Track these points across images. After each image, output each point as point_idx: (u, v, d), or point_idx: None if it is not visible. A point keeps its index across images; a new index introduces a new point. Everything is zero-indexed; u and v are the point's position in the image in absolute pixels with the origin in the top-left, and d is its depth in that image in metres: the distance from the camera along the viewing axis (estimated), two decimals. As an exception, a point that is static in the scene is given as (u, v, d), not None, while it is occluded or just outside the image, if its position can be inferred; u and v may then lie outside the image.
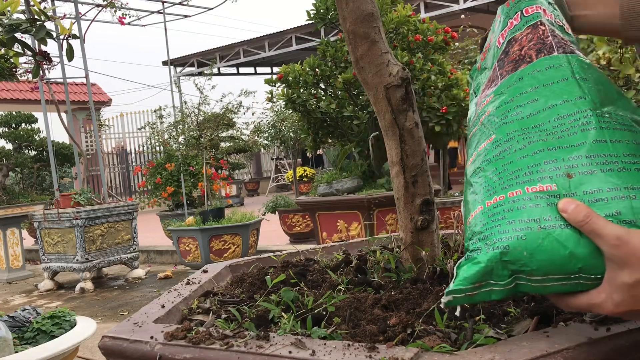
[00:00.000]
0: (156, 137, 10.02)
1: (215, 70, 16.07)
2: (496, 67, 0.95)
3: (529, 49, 0.90)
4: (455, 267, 0.79)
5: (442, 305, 0.78)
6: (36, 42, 2.32)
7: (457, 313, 0.84)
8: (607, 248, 0.70)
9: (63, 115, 6.61)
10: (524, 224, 0.75)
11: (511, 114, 0.85)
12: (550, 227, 0.73)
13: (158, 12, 10.04)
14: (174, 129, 8.76)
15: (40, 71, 2.88)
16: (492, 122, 0.88)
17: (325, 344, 0.85)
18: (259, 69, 19.61)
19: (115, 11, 8.99)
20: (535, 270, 0.73)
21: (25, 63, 9.69)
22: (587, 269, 0.72)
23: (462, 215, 0.89)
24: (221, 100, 8.07)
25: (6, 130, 9.64)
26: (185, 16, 10.81)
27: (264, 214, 7.42)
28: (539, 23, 0.91)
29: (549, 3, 0.94)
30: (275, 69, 18.90)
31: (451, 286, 0.77)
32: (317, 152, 10.42)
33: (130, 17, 9.77)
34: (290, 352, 0.83)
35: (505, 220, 0.76)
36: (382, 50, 1.25)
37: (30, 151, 9.75)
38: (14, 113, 9.85)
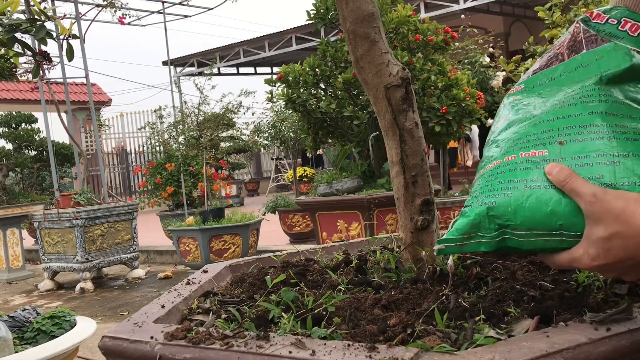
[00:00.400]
0: (156, 137, 10.02)
1: (215, 70, 16.07)
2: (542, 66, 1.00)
3: (563, 48, 0.94)
4: (451, 223, 0.87)
5: (435, 253, 0.87)
6: (36, 42, 2.32)
7: (450, 261, 0.96)
8: (584, 205, 0.75)
9: (63, 115, 6.61)
10: (512, 184, 0.82)
11: (534, 104, 0.92)
12: (535, 187, 0.80)
13: (158, 12, 10.04)
14: (174, 129, 8.76)
15: (40, 71, 2.88)
16: (517, 104, 0.94)
17: (325, 344, 0.85)
18: (259, 69, 19.61)
19: (115, 11, 9.00)
20: (519, 225, 0.80)
21: (25, 63, 9.69)
22: (568, 226, 0.77)
23: None
24: (221, 100, 8.08)
25: (6, 130, 9.64)
26: (185, 16, 10.82)
27: (264, 214, 7.42)
28: (575, 23, 0.94)
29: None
30: (275, 69, 18.91)
31: (444, 236, 0.86)
32: (317, 152, 10.43)
33: (130, 17, 9.78)
34: (290, 352, 0.83)
35: (496, 181, 0.84)
36: (382, 50, 1.25)
37: (30, 151, 9.75)
38: (14, 113, 9.85)
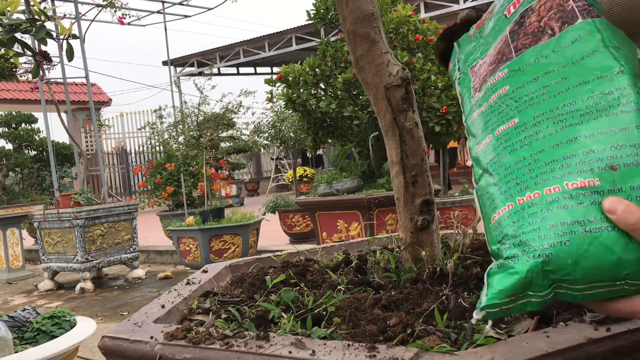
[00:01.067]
0: (156, 137, 10.02)
1: (215, 70, 16.08)
2: (507, 39, 0.84)
3: (549, 20, 0.80)
4: (486, 276, 0.71)
5: (473, 321, 0.71)
6: (36, 42, 2.32)
7: (489, 327, 0.78)
8: None
9: (63, 115, 6.61)
10: (567, 227, 0.66)
11: (536, 94, 0.76)
12: (595, 230, 0.65)
13: (158, 12, 10.04)
14: (174, 129, 8.76)
15: (40, 71, 2.88)
16: (510, 102, 0.78)
17: (325, 344, 0.85)
18: (259, 69, 19.61)
19: (115, 11, 9.00)
20: (580, 279, 0.66)
21: (25, 63, 9.69)
22: (635, 274, 0.65)
23: (478, 209, 0.80)
24: (221, 100, 8.08)
25: (6, 130, 9.64)
26: (185, 16, 10.82)
27: (264, 214, 7.42)
28: None
29: None
30: (275, 69, 18.91)
31: (484, 300, 0.69)
32: (317, 152, 10.43)
33: (130, 17, 9.78)
34: (290, 352, 0.83)
35: (545, 223, 0.67)
36: (382, 50, 1.25)
37: (30, 151, 9.75)
38: (14, 113, 9.85)
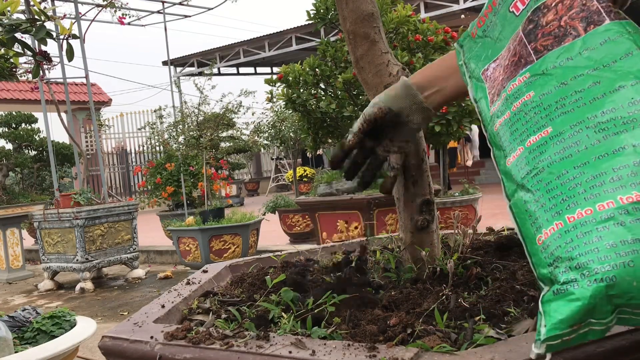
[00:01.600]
0: (156, 137, 10.02)
1: (215, 70, 16.07)
2: (522, 39, 0.79)
3: (570, 19, 0.74)
4: (540, 303, 0.65)
5: (532, 356, 0.65)
6: (36, 42, 2.33)
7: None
8: None
9: (63, 115, 6.61)
10: (628, 247, 0.60)
11: (568, 101, 0.70)
12: None
13: (158, 12, 10.04)
14: (174, 129, 8.76)
15: (40, 71, 2.88)
16: (539, 110, 0.72)
17: (325, 344, 0.85)
18: (259, 69, 19.62)
19: (115, 11, 9.00)
20: None
21: (25, 63, 9.69)
22: None
23: (515, 227, 0.73)
24: (221, 100, 8.08)
25: (6, 130, 9.64)
26: (185, 16, 10.81)
27: (264, 214, 7.42)
28: None
29: None
30: (275, 69, 18.91)
31: (543, 332, 0.63)
32: (317, 152, 10.41)
33: (130, 17, 9.78)
34: (290, 352, 0.83)
35: (602, 242, 0.61)
36: (382, 50, 1.25)
37: (30, 151, 9.75)
38: (14, 113, 9.85)
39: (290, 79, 5.48)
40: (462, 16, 10.72)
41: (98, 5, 8.30)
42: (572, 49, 0.72)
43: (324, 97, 5.46)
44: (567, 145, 0.68)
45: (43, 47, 2.44)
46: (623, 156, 0.64)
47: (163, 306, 1.17)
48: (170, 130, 9.11)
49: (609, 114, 0.67)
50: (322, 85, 5.59)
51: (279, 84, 5.62)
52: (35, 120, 9.95)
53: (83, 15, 7.93)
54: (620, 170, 0.63)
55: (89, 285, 6.38)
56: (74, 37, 2.53)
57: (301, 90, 5.42)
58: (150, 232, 9.95)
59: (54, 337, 2.35)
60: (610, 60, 0.69)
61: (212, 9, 10.22)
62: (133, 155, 17.68)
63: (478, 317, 0.93)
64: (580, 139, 0.67)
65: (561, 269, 0.64)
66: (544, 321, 0.63)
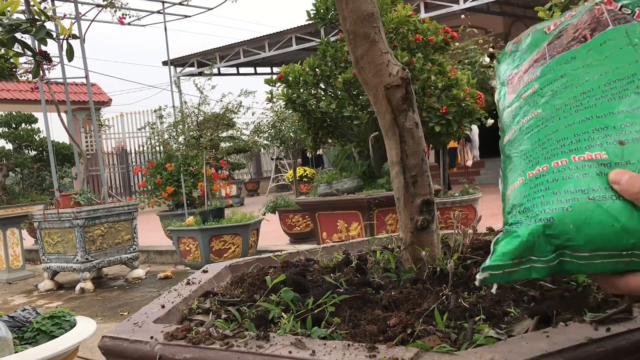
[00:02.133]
0: (156, 137, 10.02)
1: (215, 70, 16.08)
2: (544, 50, 0.88)
3: (583, 30, 0.83)
4: (492, 243, 0.72)
5: (477, 283, 0.72)
6: (36, 42, 2.32)
7: (494, 290, 0.78)
8: None
9: (63, 115, 6.61)
10: (570, 195, 0.68)
11: (560, 88, 0.79)
12: (600, 198, 0.66)
13: (158, 12, 10.04)
14: (174, 129, 8.76)
15: (40, 71, 2.88)
16: (537, 98, 0.82)
17: (325, 344, 0.85)
18: (259, 69, 19.62)
19: (115, 11, 8.99)
20: (583, 245, 0.67)
21: (25, 63, 9.69)
22: None
23: (500, 191, 0.82)
24: (221, 100, 8.08)
25: (6, 130, 9.64)
26: (185, 16, 10.81)
27: (264, 214, 7.42)
28: (595, 5, 0.85)
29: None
30: (275, 69, 18.91)
31: (487, 262, 0.70)
32: (317, 152, 10.41)
33: (130, 17, 9.78)
34: (290, 352, 0.83)
35: (549, 191, 0.70)
36: (382, 50, 1.25)
37: (30, 151, 9.75)
38: (14, 113, 9.85)
39: (290, 79, 5.48)
40: (462, 16, 10.72)
41: (98, 5, 8.30)
42: (577, 51, 0.82)
43: (324, 97, 5.46)
44: (546, 119, 0.77)
45: (43, 47, 2.44)
46: (585, 124, 0.72)
47: (163, 306, 1.17)
48: (170, 130, 9.11)
49: (587, 93, 0.75)
50: (322, 85, 5.59)
51: (279, 84, 5.62)
52: (35, 120, 9.95)
53: (83, 15, 7.93)
54: (580, 135, 0.71)
55: (89, 285, 6.38)
56: (74, 37, 2.53)
57: (301, 90, 5.42)
58: (150, 232, 9.94)
59: (54, 337, 2.35)
60: (604, 55, 0.77)
61: (212, 9, 10.23)
62: (133, 155, 17.68)
63: (478, 317, 0.93)
64: (558, 114, 0.76)
65: (512, 214, 0.73)
66: (490, 255, 0.71)
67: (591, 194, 0.67)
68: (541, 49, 0.89)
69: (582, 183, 0.68)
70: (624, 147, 0.68)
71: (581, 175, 0.68)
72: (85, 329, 2.39)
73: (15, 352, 2.11)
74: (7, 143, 9.69)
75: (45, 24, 2.24)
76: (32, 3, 2.56)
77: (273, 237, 8.22)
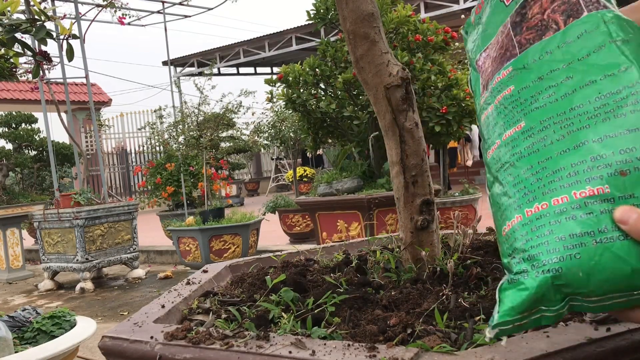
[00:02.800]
0: (156, 137, 10.01)
1: (215, 70, 16.08)
2: (509, 32, 0.80)
3: (552, 12, 0.75)
4: (497, 291, 0.69)
5: (486, 339, 0.69)
6: (36, 42, 2.32)
7: (504, 343, 0.76)
8: None
9: (63, 115, 6.61)
10: (577, 240, 0.63)
11: (542, 96, 0.72)
12: (607, 240, 0.62)
13: (158, 12, 10.04)
14: (174, 129, 8.76)
15: (40, 71, 2.88)
16: (516, 104, 0.74)
17: (325, 344, 0.85)
18: (259, 69, 19.62)
19: (115, 11, 8.99)
20: (593, 290, 0.63)
21: (25, 63, 9.70)
22: None
23: (494, 221, 0.76)
24: (221, 100, 8.07)
25: (6, 130, 9.64)
26: (185, 16, 10.82)
27: (264, 214, 7.42)
28: None
29: None
30: (275, 69, 18.91)
31: (496, 317, 0.67)
32: (317, 152, 10.41)
33: (130, 17, 9.78)
34: (290, 352, 0.83)
35: (553, 236, 0.65)
36: (382, 50, 1.25)
37: (30, 151, 9.75)
38: (14, 113, 9.85)
39: (290, 79, 5.48)
40: (462, 16, 10.73)
41: (98, 5, 8.30)
42: (552, 43, 0.73)
43: (324, 97, 5.46)
44: (535, 140, 0.70)
45: (43, 47, 2.44)
46: (582, 151, 0.65)
47: (163, 306, 1.17)
48: (170, 130, 9.10)
49: (577, 110, 0.68)
50: (322, 85, 5.59)
51: (279, 84, 5.62)
52: (35, 120, 9.95)
53: (83, 15, 7.93)
54: (578, 165, 0.65)
55: (89, 285, 6.38)
56: (74, 37, 2.53)
57: (301, 90, 5.42)
58: (150, 232, 9.94)
59: (54, 337, 2.35)
60: (584, 54, 0.70)
61: (212, 9, 10.23)
62: (133, 155, 17.68)
63: (478, 317, 0.93)
64: (548, 134, 0.69)
65: (516, 260, 0.68)
66: (498, 308, 0.67)
67: (597, 236, 0.63)
68: (506, 30, 0.81)
69: (588, 224, 0.63)
70: (626, 178, 0.63)
71: (585, 215, 0.64)
72: (85, 329, 2.39)
73: (15, 352, 2.11)
74: (7, 143, 9.69)
75: (45, 24, 2.24)
76: (32, 3, 2.56)
77: (273, 237, 8.22)
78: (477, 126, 0.86)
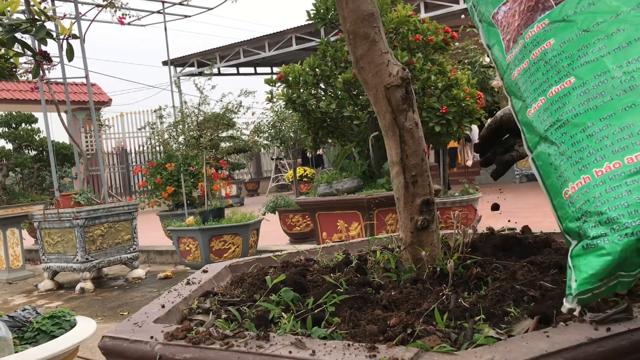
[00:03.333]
0: (156, 137, 10.01)
1: (215, 70, 16.08)
2: None
3: None
4: (569, 257, 0.64)
5: (564, 310, 0.66)
6: (36, 42, 2.32)
7: (576, 313, 0.71)
8: None
9: (63, 115, 6.61)
10: None
11: (591, 49, 0.67)
12: None
13: (158, 12, 10.04)
14: (174, 129, 8.76)
15: (40, 71, 2.88)
16: (560, 59, 0.69)
17: (325, 344, 0.85)
18: (259, 69, 19.62)
19: (115, 11, 8.99)
20: None
21: (25, 63, 9.70)
22: None
23: (538, 180, 0.71)
24: (221, 100, 8.07)
25: (6, 130, 9.64)
26: (185, 16, 10.81)
27: (264, 214, 7.42)
28: None
29: None
30: (275, 69, 18.91)
31: (574, 286, 0.63)
32: (317, 152, 10.41)
33: (130, 17, 9.77)
34: (290, 352, 0.83)
35: (632, 196, 0.60)
36: (382, 50, 1.25)
37: (30, 151, 9.75)
38: (14, 113, 9.85)
39: (290, 79, 5.48)
40: (462, 16, 10.72)
41: (98, 5, 8.30)
42: None
43: (324, 97, 5.46)
44: (591, 96, 0.66)
45: (43, 47, 2.44)
46: None
47: (163, 306, 1.17)
48: (170, 130, 9.10)
49: (635, 64, 0.64)
50: (322, 85, 5.59)
51: (279, 84, 5.62)
52: (35, 120, 9.95)
53: (83, 15, 7.93)
54: None
55: (89, 285, 6.38)
56: (74, 37, 2.53)
57: (301, 90, 5.42)
58: (150, 232, 9.94)
59: (54, 337, 2.35)
60: (632, 5, 0.66)
61: (212, 9, 10.23)
62: (133, 155, 17.68)
63: (478, 317, 0.93)
64: (606, 89, 0.65)
65: (590, 224, 0.63)
66: (574, 276, 0.63)
67: None
68: None
69: None
70: None
71: None
72: (85, 329, 2.39)
73: (15, 352, 2.11)
74: (7, 143, 9.69)
75: (45, 24, 2.24)
76: (32, 3, 2.56)
77: (273, 237, 8.22)
78: (500, 79, 0.80)
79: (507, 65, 0.78)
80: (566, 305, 0.65)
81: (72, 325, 2.48)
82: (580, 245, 0.64)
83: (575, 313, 0.70)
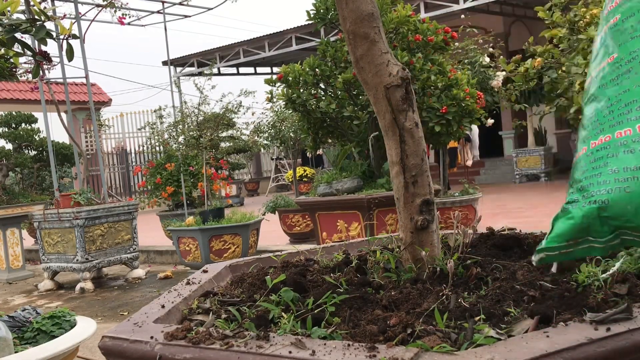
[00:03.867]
0: (156, 137, 10.01)
1: (215, 70, 16.09)
2: None
3: None
4: (552, 219, 0.69)
5: (533, 263, 0.69)
6: (36, 42, 2.32)
7: (554, 269, 0.74)
8: None
9: (63, 115, 6.61)
10: (630, 173, 0.61)
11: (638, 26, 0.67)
12: None
13: (158, 12, 10.04)
14: (174, 129, 8.75)
15: (40, 71, 2.88)
16: (618, 34, 0.70)
17: (325, 344, 0.85)
18: (259, 69, 19.62)
19: (115, 11, 8.98)
20: None
21: (25, 63, 9.69)
22: None
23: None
24: (221, 100, 8.07)
25: (6, 130, 9.64)
26: (185, 16, 10.81)
27: (264, 214, 7.42)
28: None
29: None
30: (275, 69, 18.91)
31: (543, 243, 0.69)
32: (317, 152, 10.41)
33: (130, 17, 9.77)
34: (290, 352, 0.83)
35: (607, 168, 0.63)
36: (382, 50, 1.25)
37: (30, 151, 9.75)
38: (14, 113, 9.85)
39: (290, 79, 5.48)
40: (462, 16, 10.72)
41: (98, 5, 8.30)
42: None
43: (324, 97, 5.46)
44: (621, 72, 0.68)
45: (43, 47, 2.44)
46: None
47: (163, 306, 1.17)
48: (170, 130, 9.10)
49: None
50: (322, 85, 5.59)
51: (279, 84, 5.62)
52: (35, 120, 9.95)
53: (83, 15, 7.93)
54: None
55: (89, 285, 6.38)
56: (74, 37, 2.53)
57: (301, 90, 5.42)
58: (150, 232, 9.94)
59: (54, 337, 2.35)
60: None
61: (212, 9, 10.22)
62: (133, 155, 17.68)
63: (478, 317, 0.93)
64: (633, 66, 0.66)
65: (572, 190, 0.69)
66: (547, 234, 0.69)
67: None
68: None
69: None
70: None
71: None
72: (85, 329, 2.39)
73: (15, 352, 2.11)
74: (7, 143, 9.69)
75: (45, 24, 2.24)
76: (32, 3, 2.56)
77: (273, 237, 8.21)
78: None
79: (597, 34, 0.80)
80: (533, 259, 0.72)
81: (72, 325, 2.48)
82: (561, 209, 0.70)
83: (554, 269, 0.75)
